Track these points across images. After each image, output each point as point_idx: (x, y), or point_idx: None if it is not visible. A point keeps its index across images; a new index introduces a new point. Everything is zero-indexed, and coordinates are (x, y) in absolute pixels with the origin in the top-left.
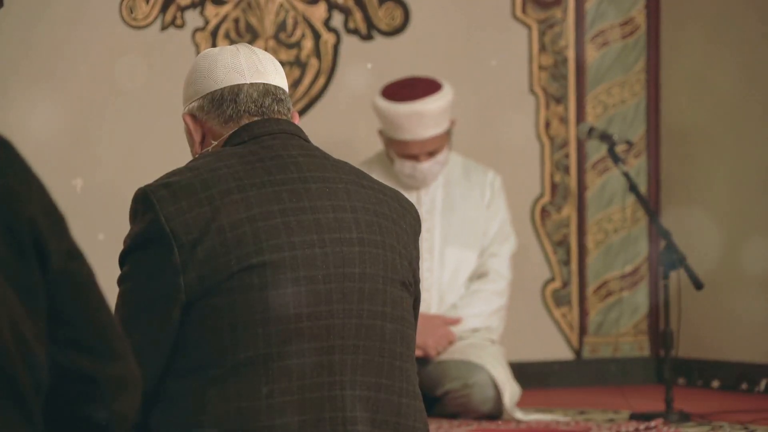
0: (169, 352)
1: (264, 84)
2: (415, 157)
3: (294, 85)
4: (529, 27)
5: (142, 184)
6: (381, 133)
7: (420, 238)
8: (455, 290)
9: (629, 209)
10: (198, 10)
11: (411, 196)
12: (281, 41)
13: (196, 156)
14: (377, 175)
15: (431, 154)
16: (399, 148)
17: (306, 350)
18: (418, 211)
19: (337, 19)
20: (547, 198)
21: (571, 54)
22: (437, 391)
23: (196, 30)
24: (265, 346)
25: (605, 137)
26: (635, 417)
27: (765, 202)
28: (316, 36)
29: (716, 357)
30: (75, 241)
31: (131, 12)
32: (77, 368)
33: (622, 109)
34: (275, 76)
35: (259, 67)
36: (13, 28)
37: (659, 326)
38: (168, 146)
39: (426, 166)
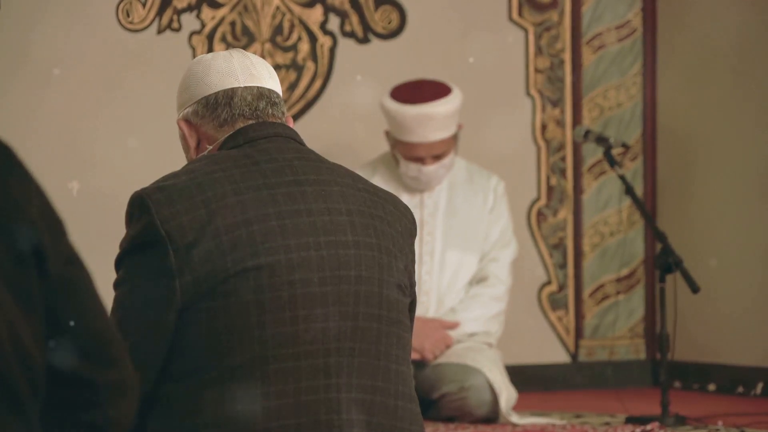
0: (165, 355)
1: (258, 87)
2: (421, 160)
3: (290, 88)
4: (525, 30)
5: (138, 188)
6: (387, 134)
7: (421, 240)
8: (454, 294)
9: (625, 212)
10: (194, 13)
11: (414, 199)
12: (277, 44)
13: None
14: (381, 177)
15: (437, 157)
16: (405, 150)
17: (302, 353)
18: (421, 213)
19: (334, 23)
20: (543, 201)
21: (567, 57)
22: (434, 395)
23: (193, 33)
24: (261, 349)
25: (601, 140)
26: (631, 420)
27: (762, 205)
28: (313, 39)
29: (712, 360)
30: (73, 246)
31: (128, 15)
32: (74, 373)
33: (619, 112)
34: (269, 79)
35: (253, 71)
36: (10, 30)
37: (655, 329)
38: (164, 149)
39: (431, 169)
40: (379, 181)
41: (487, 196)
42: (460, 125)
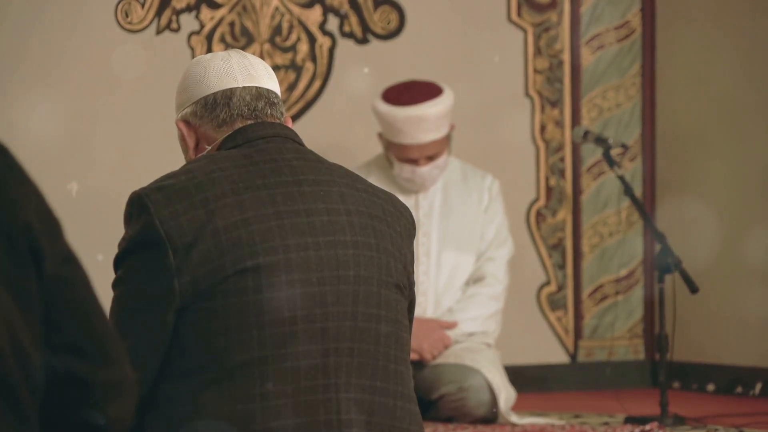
0: (164, 355)
1: (257, 87)
2: (414, 161)
3: (289, 89)
4: (524, 30)
5: (137, 188)
6: (380, 136)
7: (417, 241)
8: (451, 294)
9: (624, 213)
10: (193, 13)
11: (409, 200)
12: (276, 45)
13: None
14: (376, 179)
15: (430, 158)
16: (398, 152)
17: (301, 353)
18: (416, 214)
19: (333, 23)
20: (542, 202)
21: (566, 57)
22: (432, 395)
23: (192, 34)
24: (260, 349)
25: (600, 141)
26: (630, 420)
27: (761, 205)
28: (312, 40)
29: (711, 360)
30: (70, 246)
31: (126, 16)
32: (72, 372)
33: (618, 112)
34: (267, 80)
35: (251, 71)
36: (8, 32)
37: (654, 330)
38: (163, 150)
39: (425, 170)
40: (374, 183)
41: (482, 195)
42: (452, 125)
